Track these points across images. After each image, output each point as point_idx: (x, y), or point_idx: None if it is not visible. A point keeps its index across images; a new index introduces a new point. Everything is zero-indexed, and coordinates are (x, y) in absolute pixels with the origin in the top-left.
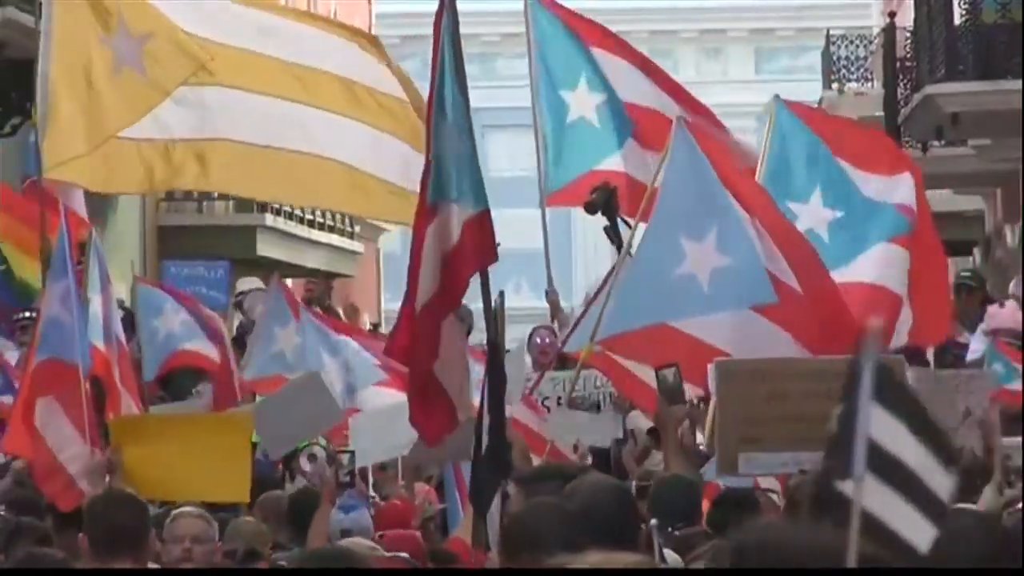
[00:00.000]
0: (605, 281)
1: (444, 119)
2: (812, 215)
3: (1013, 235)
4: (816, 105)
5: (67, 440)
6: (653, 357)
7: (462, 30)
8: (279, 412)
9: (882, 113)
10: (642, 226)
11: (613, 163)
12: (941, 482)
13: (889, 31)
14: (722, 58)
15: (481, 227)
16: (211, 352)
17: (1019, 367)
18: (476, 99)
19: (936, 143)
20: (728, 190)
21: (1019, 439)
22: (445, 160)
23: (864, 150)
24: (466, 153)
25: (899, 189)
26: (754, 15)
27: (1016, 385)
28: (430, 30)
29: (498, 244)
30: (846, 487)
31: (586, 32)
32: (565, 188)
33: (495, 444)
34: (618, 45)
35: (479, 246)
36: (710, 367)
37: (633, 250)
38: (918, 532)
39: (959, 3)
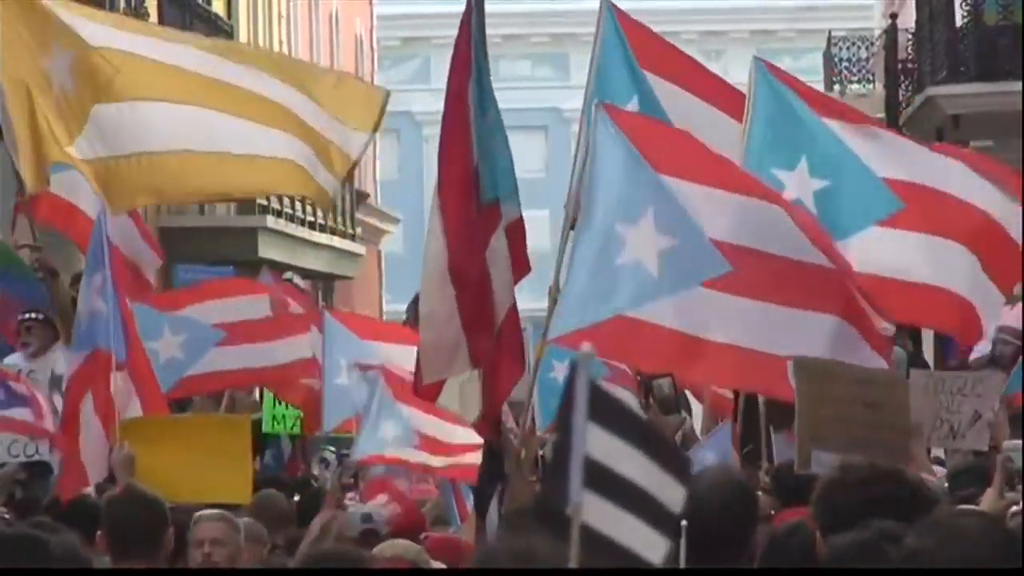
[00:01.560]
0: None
1: (486, 120)
2: (799, 184)
3: None
4: None
5: (91, 430)
6: (614, 351)
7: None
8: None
9: (884, 115)
10: None
11: None
12: (671, 495)
13: (891, 32)
14: (723, 60)
15: (521, 232)
16: None
17: None
18: None
19: (938, 143)
20: (660, 169)
21: (1018, 441)
22: (495, 160)
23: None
24: (508, 155)
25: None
26: (755, 17)
27: None
28: (430, 32)
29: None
30: (568, 507)
31: (643, 54)
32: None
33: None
34: (675, 68)
35: (519, 253)
36: (788, 364)
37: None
38: (648, 545)
39: (960, 4)
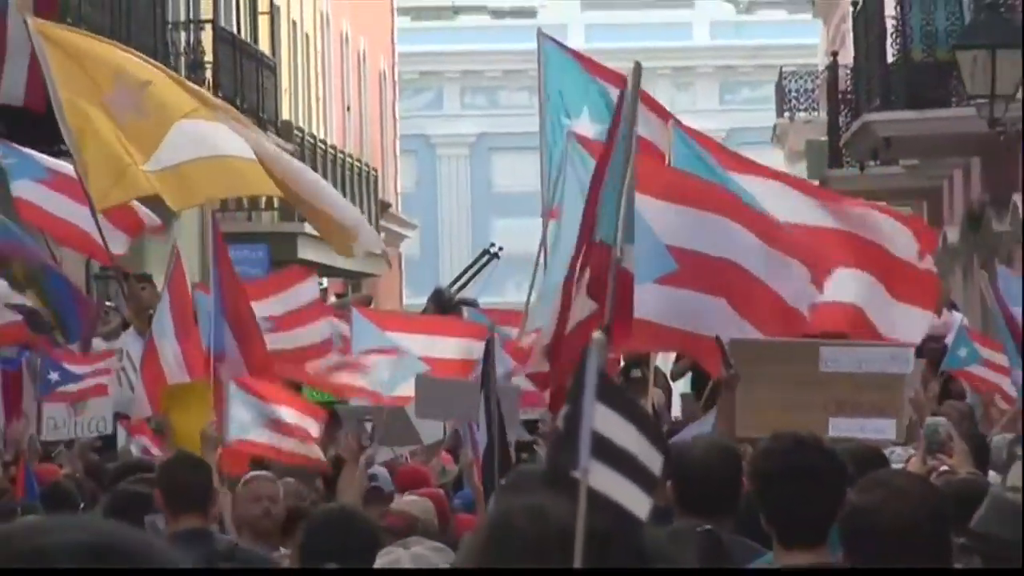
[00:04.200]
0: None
1: (619, 167)
2: None
3: (943, 240)
4: (771, 131)
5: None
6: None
7: (470, 67)
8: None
9: (826, 138)
10: None
11: None
12: (653, 460)
13: (832, 68)
14: (691, 91)
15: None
16: None
17: (980, 349)
18: (483, 126)
19: (872, 163)
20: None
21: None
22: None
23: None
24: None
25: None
26: (719, 55)
27: (977, 368)
28: (443, 67)
29: (500, 248)
30: (576, 473)
31: (591, 66)
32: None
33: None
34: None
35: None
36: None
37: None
38: (637, 503)
39: (891, 44)
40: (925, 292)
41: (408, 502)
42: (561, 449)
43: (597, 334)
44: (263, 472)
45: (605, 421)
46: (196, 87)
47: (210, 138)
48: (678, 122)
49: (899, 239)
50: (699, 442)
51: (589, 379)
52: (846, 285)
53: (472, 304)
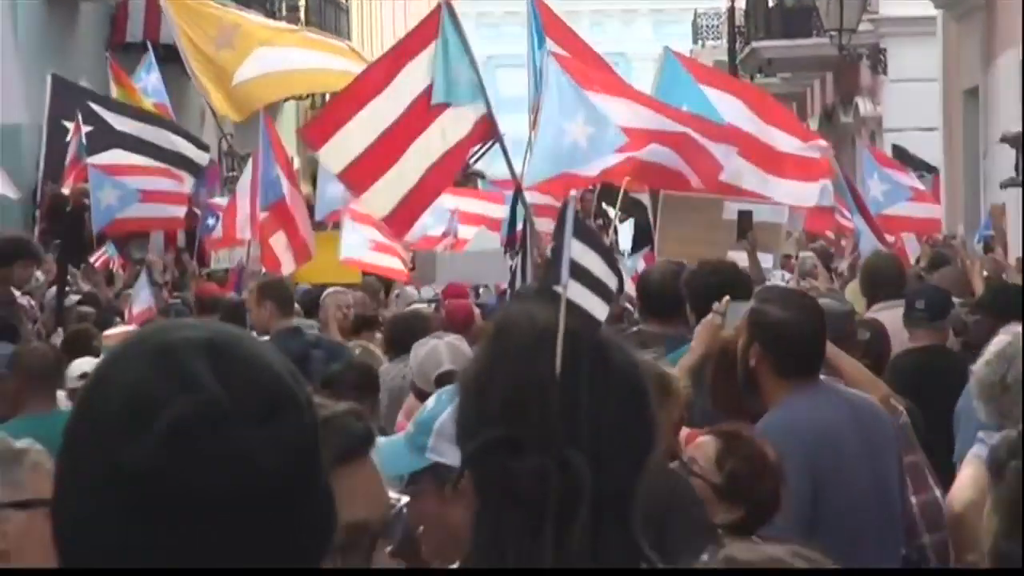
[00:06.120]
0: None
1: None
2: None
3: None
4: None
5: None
6: (561, 189)
7: (484, 8)
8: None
9: (727, 59)
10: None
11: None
12: (611, 280)
13: (731, 10)
14: (634, 26)
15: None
16: None
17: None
18: (491, 50)
19: (759, 75)
20: (585, 88)
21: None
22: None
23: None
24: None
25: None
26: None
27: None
28: (464, 8)
29: (504, 134)
30: (558, 288)
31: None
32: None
33: None
34: (611, 83)
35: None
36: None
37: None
38: (599, 310)
39: None
40: (810, 171)
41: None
42: (548, 271)
43: (573, 192)
44: (341, 288)
45: (579, 251)
46: (275, 24)
47: (271, 57)
48: (670, 50)
49: (792, 141)
50: (657, 266)
51: (568, 222)
52: (746, 172)
53: (481, 176)
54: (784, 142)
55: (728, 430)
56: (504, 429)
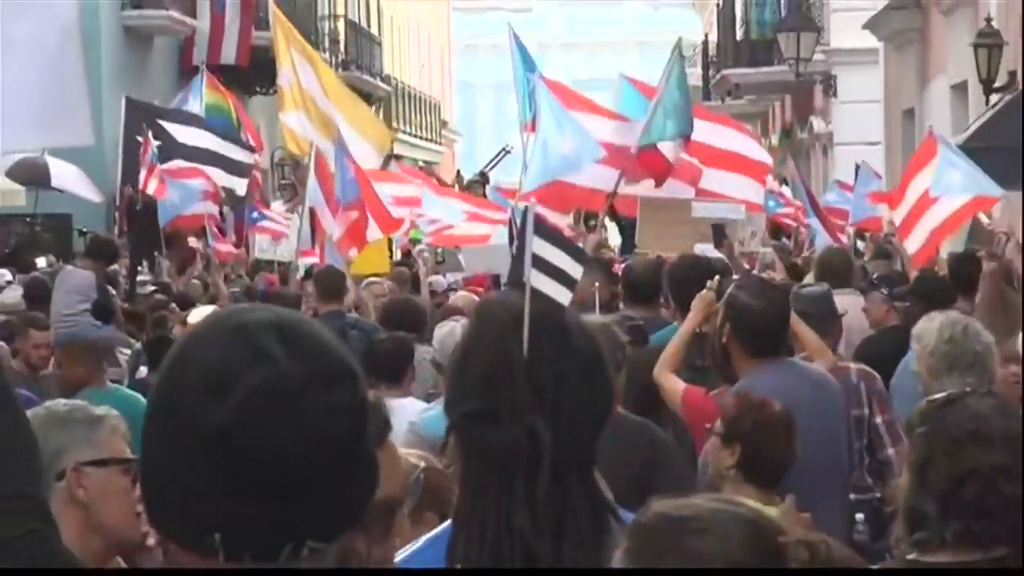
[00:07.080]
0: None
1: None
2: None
3: (769, 143)
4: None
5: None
6: (551, 199)
7: (496, 42)
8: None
9: (701, 84)
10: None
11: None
12: (575, 270)
13: (705, 43)
14: (625, 57)
15: None
16: None
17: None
18: (503, 74)
19: (728, 98)
20: (568, 108)
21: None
22: None
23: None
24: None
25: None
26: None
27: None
28: (478, 41)
29: (511, 147)
30: (525, 279)
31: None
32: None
33: None
34: (588, 104)
35: None
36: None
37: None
38: (563, 296)
39: (740, 28)
40: (755, 172)
41: (458, 296)
42: (516, 265)
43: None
44: (376, 278)
45: (540, 247)
46: (331, 79)
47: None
48: (624, 76)
49: (743, 144)
50: (637, 259)
51: (529, 222)
52: (711, 175)
53: (487, 181)
54: (736, 142)
55: (741, 392)
56: (481, 402)
